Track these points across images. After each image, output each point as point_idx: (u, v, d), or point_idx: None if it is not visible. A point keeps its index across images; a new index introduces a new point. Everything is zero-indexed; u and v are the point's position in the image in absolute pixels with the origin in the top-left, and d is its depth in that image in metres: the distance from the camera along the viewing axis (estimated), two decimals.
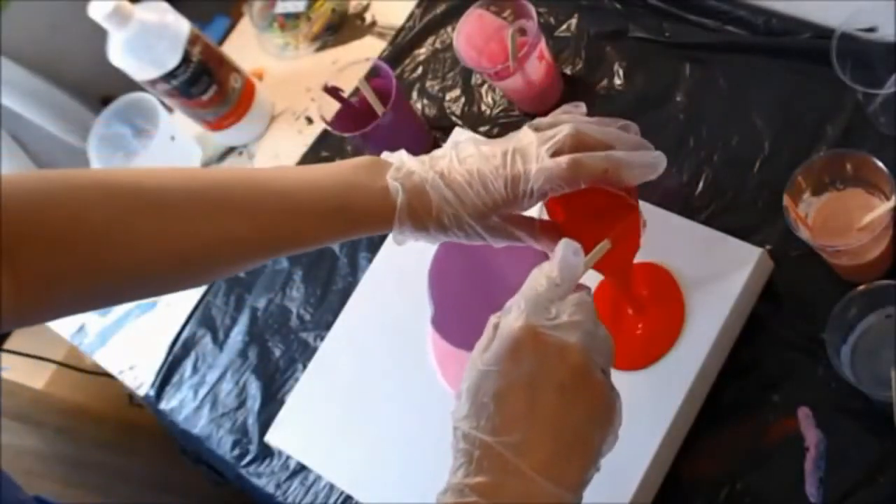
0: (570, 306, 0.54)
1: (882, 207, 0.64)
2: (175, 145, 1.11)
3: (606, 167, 0.59)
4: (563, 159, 0.59)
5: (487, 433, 0.52)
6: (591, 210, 0.64)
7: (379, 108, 0.89)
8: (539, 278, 0.55)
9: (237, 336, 1.00)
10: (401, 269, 0.89)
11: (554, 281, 0.55)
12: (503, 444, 0.51)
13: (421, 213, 0.63)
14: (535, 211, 0.66)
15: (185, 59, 1.02)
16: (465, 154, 0.63)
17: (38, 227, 0.58)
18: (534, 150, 0.61)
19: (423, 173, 0.63)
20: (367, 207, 0.63)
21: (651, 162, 0.61)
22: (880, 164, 0.64)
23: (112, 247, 0.59)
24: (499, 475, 0.51)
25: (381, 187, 0.63)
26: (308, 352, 0.93)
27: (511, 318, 0.54)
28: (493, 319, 0.56)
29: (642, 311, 0.74)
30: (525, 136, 0.62)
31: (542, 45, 0.86)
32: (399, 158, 0.65)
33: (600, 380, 0.54)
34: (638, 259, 0.69)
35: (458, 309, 0.83)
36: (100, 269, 0.60)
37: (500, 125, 0.94)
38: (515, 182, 0.61)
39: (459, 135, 0.91)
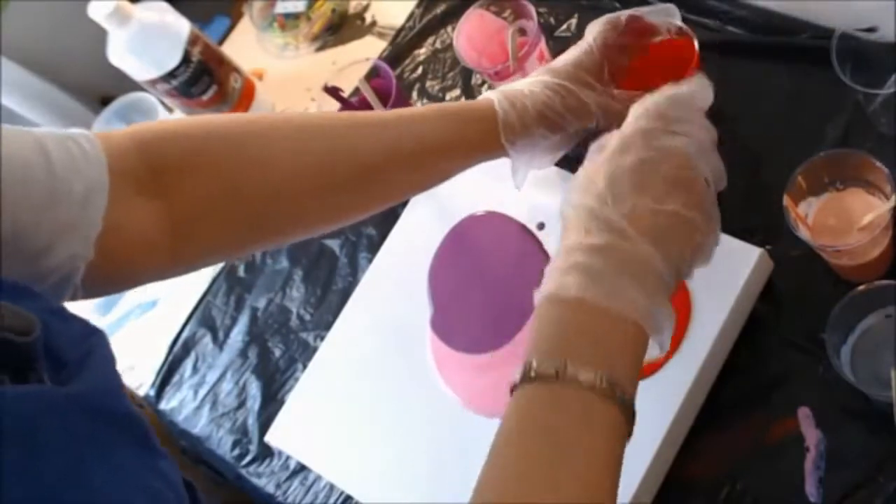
0: (688, 121, 0.58)
1: (882, 207, 0.64)
2: None
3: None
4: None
5: (597, 203, 0.55)
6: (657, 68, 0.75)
7: (379, 108, 0.89)
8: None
9: (237, 336, 1.00)
10: (401, 269, 0.89)
11: (675, 95, 0.59)
12: (611, 210, 0.54)
13: (518, 107, 0.69)
14: None
15: (185, 59, 1.02)
16: None
17: (197, 157, 0.62)
18: None
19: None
20: (478, 114, 0.70)
21: (663, 7, 0.73)
22: (880, 164, 0.64)
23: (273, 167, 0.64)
24: (606, 235, 0.53)
25: (486, 103, 0.70)
26: (308, 352, 0.93)
27: (625, 123, 0.59)
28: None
29: None
30: None
31: (542, 45, 0.86)
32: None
33: (704, 184, 0.57)
34: None
35: (457, 311, 0.83)
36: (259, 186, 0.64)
37: None
38: (577, 47, 0.73)
39: None
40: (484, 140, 0.70)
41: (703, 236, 0.56)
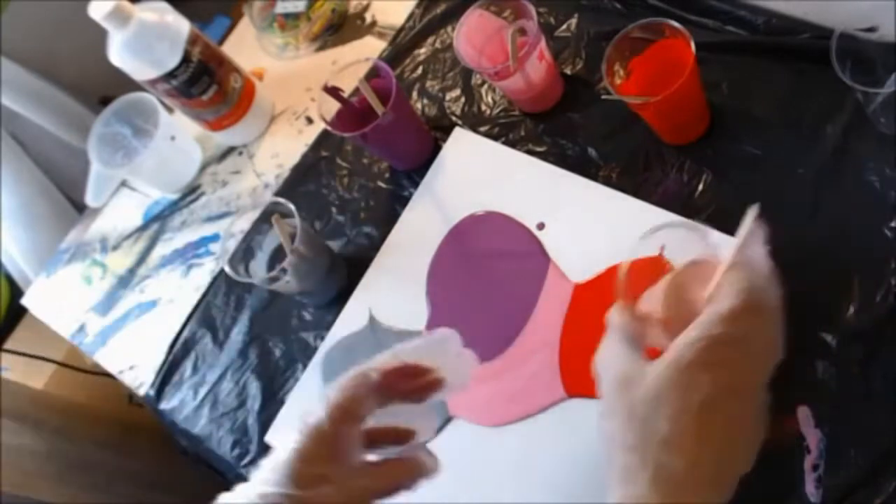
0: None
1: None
2: (175, 145, 1.11)
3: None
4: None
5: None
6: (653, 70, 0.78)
7: (379, 108, 0.89)
8: None
9: (237, 336, 1.00)
10: (400, 270, 0.89)
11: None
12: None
13: None
14: None
15: (185, 59, 1.02)
16: None
17: None
18: None
19: None
20: None
21: (440, 337, 0.62)
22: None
23: None
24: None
25: None
26: (308, 352, 0.93)
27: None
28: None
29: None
30: None
31: (542, 45, 0.86)
32: None
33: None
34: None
35: (455, 317, 0.83)
36: None
37: (500, 125, 0.94)
38: (299, 432, 0.58)
39: (459, 134, 0.91)
40: None
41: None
